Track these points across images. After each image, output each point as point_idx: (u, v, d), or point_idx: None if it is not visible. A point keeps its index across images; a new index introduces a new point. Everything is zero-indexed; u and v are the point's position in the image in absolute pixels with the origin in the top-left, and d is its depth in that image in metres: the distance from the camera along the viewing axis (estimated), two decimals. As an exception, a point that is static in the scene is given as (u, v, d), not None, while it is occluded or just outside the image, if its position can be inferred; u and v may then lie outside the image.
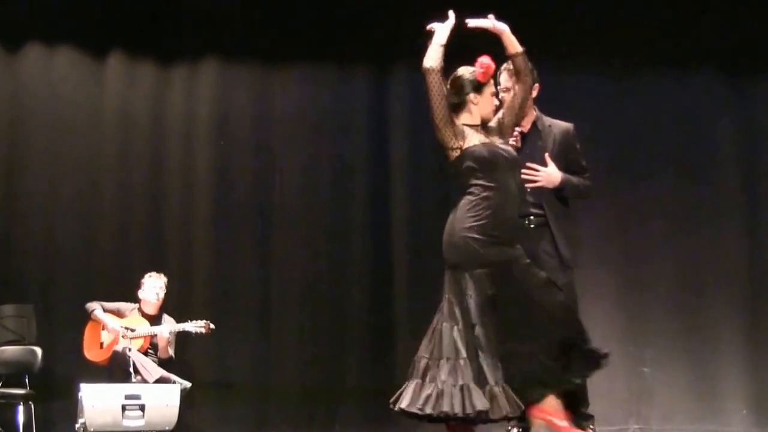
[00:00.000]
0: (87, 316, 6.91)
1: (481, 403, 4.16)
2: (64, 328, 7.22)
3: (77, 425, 6.17)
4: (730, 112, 7.84)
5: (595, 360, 4.40)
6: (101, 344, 6.87)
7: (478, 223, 4.37)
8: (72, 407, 6.39)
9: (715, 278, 7.62)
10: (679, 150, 7.78)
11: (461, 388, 4.20)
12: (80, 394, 6.16)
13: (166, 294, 7.00)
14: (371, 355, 7.55)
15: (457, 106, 4.51)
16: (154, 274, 7.00)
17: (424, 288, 7.56)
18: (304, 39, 7.75)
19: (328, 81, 7.82)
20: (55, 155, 7.54)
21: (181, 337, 6.99)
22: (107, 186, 7.58)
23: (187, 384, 6.61)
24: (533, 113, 5.14)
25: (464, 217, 4.41)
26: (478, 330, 4.29)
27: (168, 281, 7.03)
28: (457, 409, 4.16)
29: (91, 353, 6.88)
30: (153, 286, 6.95)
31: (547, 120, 5.14)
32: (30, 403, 6.77)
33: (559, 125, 5.14)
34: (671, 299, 7.58)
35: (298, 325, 7.58)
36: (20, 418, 6.71)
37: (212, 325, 6.84)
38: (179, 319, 6.93)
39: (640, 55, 7.76)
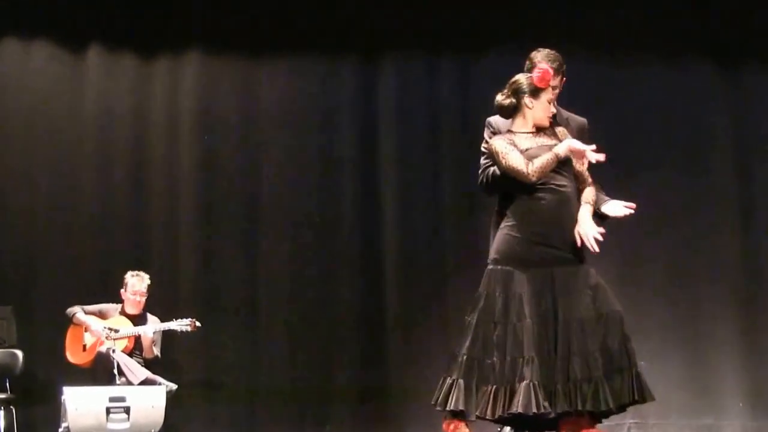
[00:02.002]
0: (68, 321, 6.80)
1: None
2: (45, 331, 7.13)
3: (60, 429, 6.08)
4: (723, 104, 7.82)
5: (635, 390, 4.33)
6: (84, 346, 6.78)
7: (520, 221, 4.46)
8: (55, 411, 6.31)
9: (710, 272, 7.60)
10: (672, 142, 7.75)
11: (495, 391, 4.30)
12: (63, 397, 6.06)
13: (150, 292, 6.91)
14: (361, 354, 7.50)
15: (512, 109, 4.55)
16: (136, 272, 6.91)
17: (415, 284, 7.63)
18: (289, 30, 7.67)
19: (314, 73, 7.75)
20: (33, 151, 7.47)
21: (168, 337, 6.92)
22: (88, 183, 7.50)
23: (173, 385, 6.54)
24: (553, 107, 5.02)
25: (509, 216, 4.50)
26: (499, 328, 4.35)
27: (153, 279, 6.94)
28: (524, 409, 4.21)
29: (74, 356, 6.78)
30: (135, 285, 6.85)
31: (565, 113, 5.04)
32: (11, 407, 6.71)
33: (576, 119, 5.04)
34: (666, 294, 7.55)
35: (287, 323, 7.51)
36: (2, 423, 6.63)
37: (198, 323, 6.77)
38: (165, 318, 6.85)
39: (633, 46, 7.72)
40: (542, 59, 4.75)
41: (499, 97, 4.59)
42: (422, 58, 7.76)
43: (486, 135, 4.84)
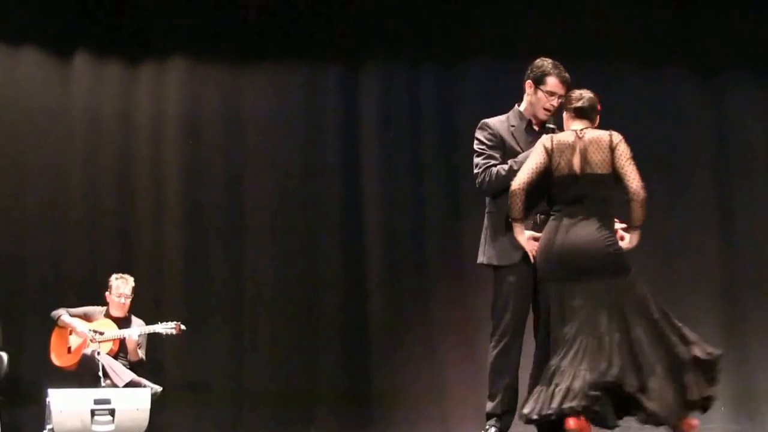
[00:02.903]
0: (53, 324, 6.80)
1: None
2: (30, 333, 7.12)
3: (45, 431, 6.06)
4: (702, 114, 7.84)
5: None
6: (69, 349, 6.78)
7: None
8: (40, 413, 6.28)
9: (692, 275, 7.61)
10: (653, 148, 7.71)
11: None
12: (48, 399, 6.06)
13: (135, 295, 6.92)
14: (345, 357, 7.50)
15: (592, 116, 4.78)
16: (120, 275, 6.92)
17: (398, 288, 7.61)
18: (273, 37, 7.70)
19: (298, 80, 7.77)
20: (20, 157, 7.46)
21: (153, 339, 6.92)
22: (75, 188, 7.50)
23: (158, 388, 6.53)
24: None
25: (612, 228, 4.77)
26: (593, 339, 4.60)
27: (137, 282, 6.95)
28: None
29: (59, 359, 6.78)
30: (120, 288, 6.86)
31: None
32: (-4, 409, 6.69)
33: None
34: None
35: (271, 327, 7.51)
36: (-13, 425, 6.61)
37: (183, 326, 6.78)
38: (149, 321, 6.85)
39: (614, 54, 7.74)
40: (553, 68, 4.84)
41: (594, 99, 4.79)
42: (404, 65, 7.78)
43: (482, 136, 4.88)
